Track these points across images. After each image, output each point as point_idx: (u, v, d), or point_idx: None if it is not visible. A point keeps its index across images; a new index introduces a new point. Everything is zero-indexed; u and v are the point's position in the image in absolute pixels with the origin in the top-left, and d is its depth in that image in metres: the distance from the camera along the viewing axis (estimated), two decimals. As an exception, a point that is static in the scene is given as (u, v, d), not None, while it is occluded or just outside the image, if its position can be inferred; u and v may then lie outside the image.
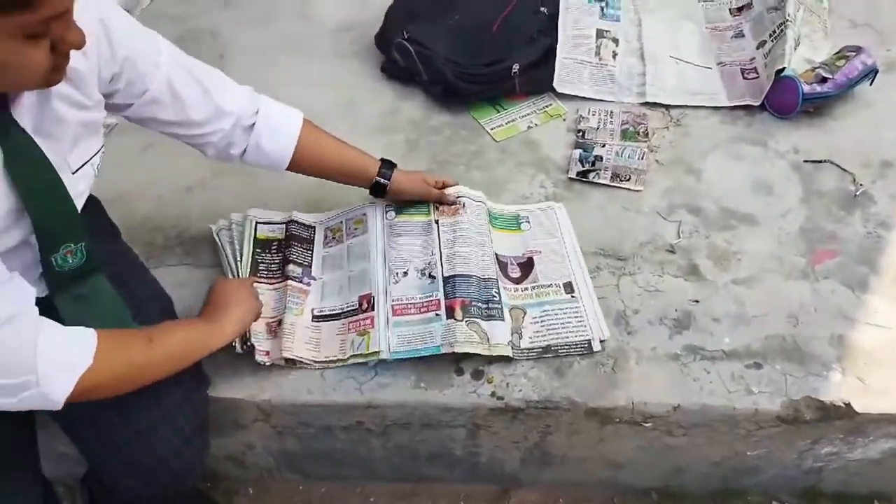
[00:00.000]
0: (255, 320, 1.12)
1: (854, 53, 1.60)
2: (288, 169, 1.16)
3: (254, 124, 1.09)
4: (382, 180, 1.23)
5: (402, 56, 1.66)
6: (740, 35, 1.78)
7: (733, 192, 1.46)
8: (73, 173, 0.88)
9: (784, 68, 1.56)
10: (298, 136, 1.13)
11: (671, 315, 1.24)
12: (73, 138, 0.86)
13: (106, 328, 0.84)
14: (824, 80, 1.57)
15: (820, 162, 1.51)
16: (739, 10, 1.83)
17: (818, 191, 1.45)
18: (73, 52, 0.74)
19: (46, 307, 0.82)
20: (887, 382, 1.14)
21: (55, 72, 0.72)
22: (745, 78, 1.68)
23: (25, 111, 0.79)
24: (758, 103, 1.61)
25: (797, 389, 1.13)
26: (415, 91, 1.68)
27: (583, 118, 1.61)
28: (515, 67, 1.62)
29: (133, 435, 0.96)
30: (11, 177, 0.77)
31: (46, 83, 0.74)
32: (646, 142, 1.55)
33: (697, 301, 1.26)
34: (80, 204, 0.90)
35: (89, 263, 0.90)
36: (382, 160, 1.25)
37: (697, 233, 1.39)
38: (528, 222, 1.40)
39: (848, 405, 1.12)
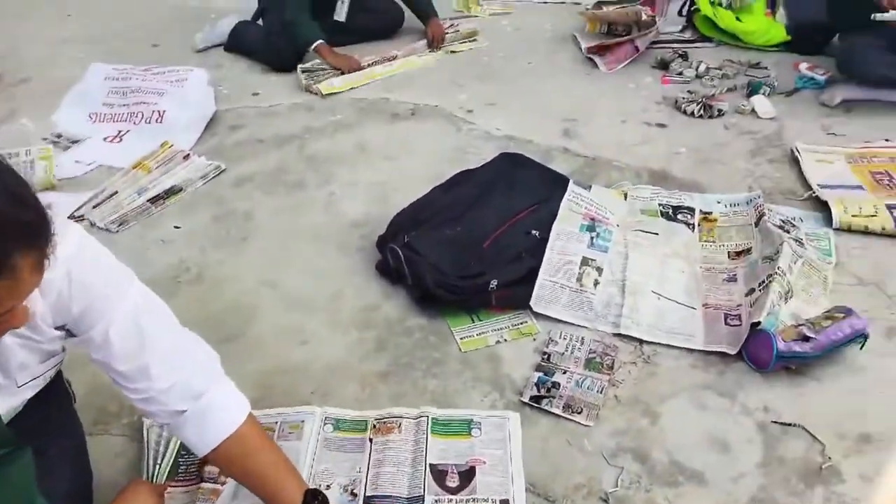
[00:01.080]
0: None
1: (843, 315, 1.55)
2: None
3: (185, 411, 1.05)
4: None
5: (392, 258, 1.78)
6: (733, 279, 1.78)
7: (688, 444, 1.39)
8: (19, 387, 0.96)
9: (759, 322, 1.53)
10: (226, 438, 1.06)
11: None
12: (20, 364, 0.94)
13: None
14: (806, 339, 1.52)
15: (789, 425, 1.42)
16: (738, 254, 1.85)
17: (781, 457, 1.35)
18: (32, 295, 0.79)
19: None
20: None
21: None
22: (727, 324, 1.65)
23: None
24: (734, 352, 1.57)
25: None
26: (400, 292, 1.78)
27: (552, 341, 1.63)
28: (493, 283, 1.69)
29: None
30: None
31: None
32: (608, 375, 1.54)
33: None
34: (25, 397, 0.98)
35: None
36: (309, 492, 1.09)
37: (638, 484, 1.31)
38: (480, 429, 1.40)
39: None
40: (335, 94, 2.76)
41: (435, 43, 3.10)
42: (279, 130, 2.55)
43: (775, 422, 1.43)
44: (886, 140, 2.28)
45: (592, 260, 1.78)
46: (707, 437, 1.41)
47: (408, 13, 3.22)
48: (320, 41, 2.89)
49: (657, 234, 1.90)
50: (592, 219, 1.88)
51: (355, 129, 2.55)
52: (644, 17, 2.85)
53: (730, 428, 1.42)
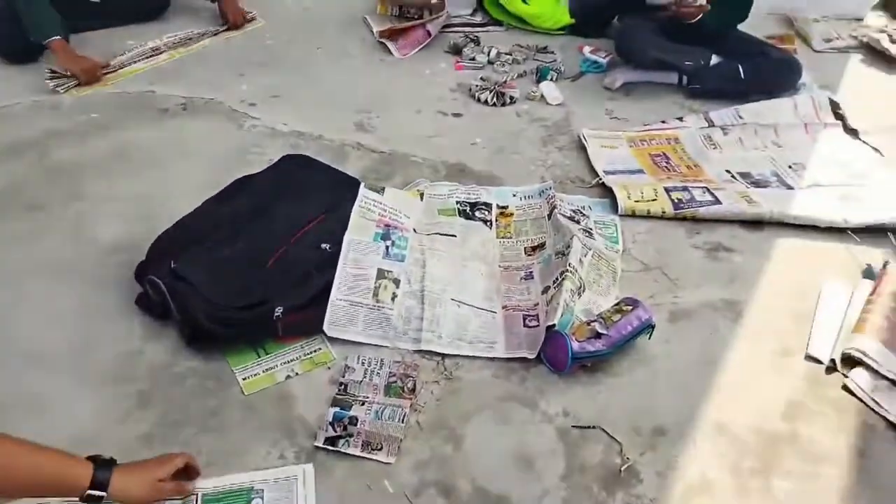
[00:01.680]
0: None
1: (631, 308, 1.57)
2: None
3: None
4: (97, 492, 1.02)
5: (153, 291, 1.52)
6: (530, 277, 1.75)
7: (492, 466, 1.32)
8: None
9: (554, 325, 1.51)
10: None
11: None
12: None
13: None
14: (599, 335, 1.52)
15: (588, 428, 1.41)
16: (534, 249, 1.83)
17: (582, 465, 1.33)
18: None
19: None
20: None
21: None
22: (526, 325, 1.61)
23: None
24: (533, 356, 1.53)
25: None
26: (168, 331, 1.53)
27: (349, 368, 1.49)
28: (279, 311, 1.50)
29: None
30: None
31: None
32: (410, 399, 1.43)
33: None
34: None
35: None
36: (95, 461, 1.04)
37: (444, 521, 1.22)
38: (262, 498, 1.22)
39: None
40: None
41: (235, 21, 2.76)
42: (13, 137, 2.11)
43: (575, 426, 1.41)
44: (662, 122, 2.40)
45: (389, 271, 1.65)
46: (511, 454, 1.35)
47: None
48: (55, 37, 2.34)
49: (455, 235, 1.82)
50: (387, 225, 1.74)
51: (114, 130, 2.18)
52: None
53: (533, 440, 1.38)
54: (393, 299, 1.61)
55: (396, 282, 1.64)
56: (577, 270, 1.66)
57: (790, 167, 2.22)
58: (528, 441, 1.37)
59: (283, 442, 1.33)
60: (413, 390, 1.45)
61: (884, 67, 2.94)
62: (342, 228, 1.69)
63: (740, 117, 2.40)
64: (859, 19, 3.32)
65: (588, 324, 1.55)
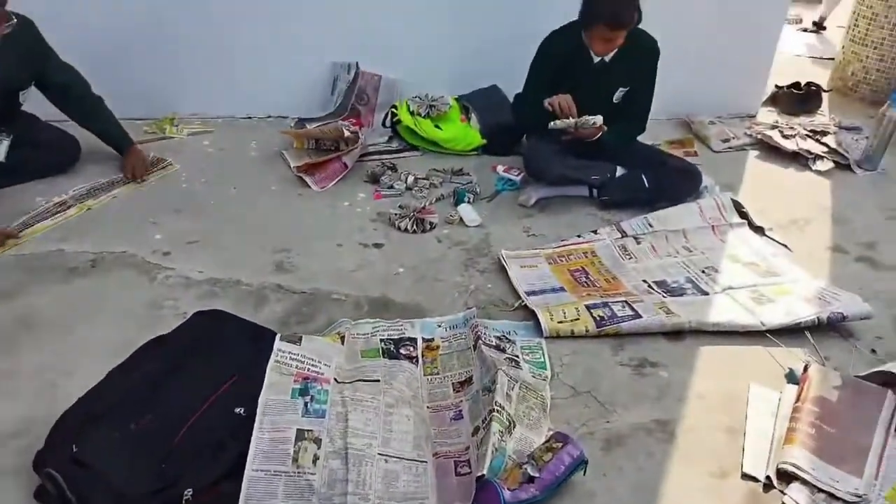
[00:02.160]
0: None
1: (561, 444, 1.53)
2: None
3: None
4: None
5: (51, 484, 1.39)
6: (459, 416, 1.70)
7: None
8: None
9: (483, 475, 1.45)
10: None
11: None
12: None
13: None
14: (531, 479, 1.46)
15: (530, 589, 1.32)
16: (462, 385, 1.79)
17: None
18: None
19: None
20: None
21: None
22: (458, 474, 1.55)
23: None
24: (467, 510, 1.46)
25: None
26: (67, 529, 1.39)
27: (269, 549, 1.37)
28: (188, 493, 1.39)
29: None
30: None
31: None
32: (337, 579, 1.32)
33: None
34: None
35: None
36: None
37: None
38: None
39: None
40: (-11, 252, 2.26)
41: (137, 175, 2.73)
42: None
43: (516, 589, 1.32)
44: (578, 236, 2.47)
45: (309, 431, 1.57)
46: None
47: (89, 140, 2.80)
48: None
49: (378, 380, 1.76)
50: (305, 378, 1.68)
51: (16, 297, 2.08)
52: (347, 133, 2.82)
53: None
54: (314, 462, 1.52)
55: (318, 441, 1.56)
56: (503, 408, 1.62)
57: (703, 272, 2.29)
58: None
59: None
60: (340, 567, 1.34)
61: (779, 162, 3.16)
62: (257, 388, 1.62)
63: (650, 225, 2.50)
64: (752, 116, 3.59)
65: (520, 466, 1.50)
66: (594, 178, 2.63)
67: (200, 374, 1.65)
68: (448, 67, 3.22)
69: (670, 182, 2.63)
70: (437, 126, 3.05)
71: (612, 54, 2.53)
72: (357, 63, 3.24)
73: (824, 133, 3.27)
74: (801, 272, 2.29)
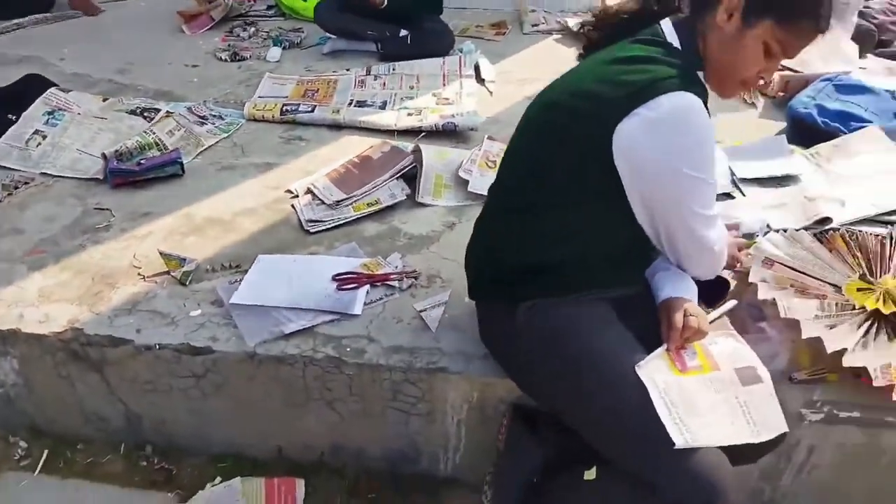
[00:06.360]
0: None
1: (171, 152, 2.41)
2: None
3: None
4: None
5: None
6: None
7: None
8: None
9: (105, 153, 2.37)
10: None
11: None
12: None
13: None
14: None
15: None
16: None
17: None
18: None
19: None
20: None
21: None
22: (114, 165, 2.48)
23: None
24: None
25: None
26: None
27: None
28: None
29: None
30: None
31: None
32: None
33: None
34: None
35: None
36: None
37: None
38: None
39: None
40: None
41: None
42: None
43: None
44: (334, 72, 3.23)
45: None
46: None
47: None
48: None
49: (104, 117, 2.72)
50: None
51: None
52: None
53: None
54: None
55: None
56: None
57: (401, 99, 2.98)
58: None
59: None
60: None
61: (571, 45, 3.65)
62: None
63: (393, 69, 3.20)
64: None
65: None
66: (370, 33, 3.35)
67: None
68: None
69: (426, 40, 3.31)
70: (304, -1, 3.90)
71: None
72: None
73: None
74: (479, 98, 2.93)
